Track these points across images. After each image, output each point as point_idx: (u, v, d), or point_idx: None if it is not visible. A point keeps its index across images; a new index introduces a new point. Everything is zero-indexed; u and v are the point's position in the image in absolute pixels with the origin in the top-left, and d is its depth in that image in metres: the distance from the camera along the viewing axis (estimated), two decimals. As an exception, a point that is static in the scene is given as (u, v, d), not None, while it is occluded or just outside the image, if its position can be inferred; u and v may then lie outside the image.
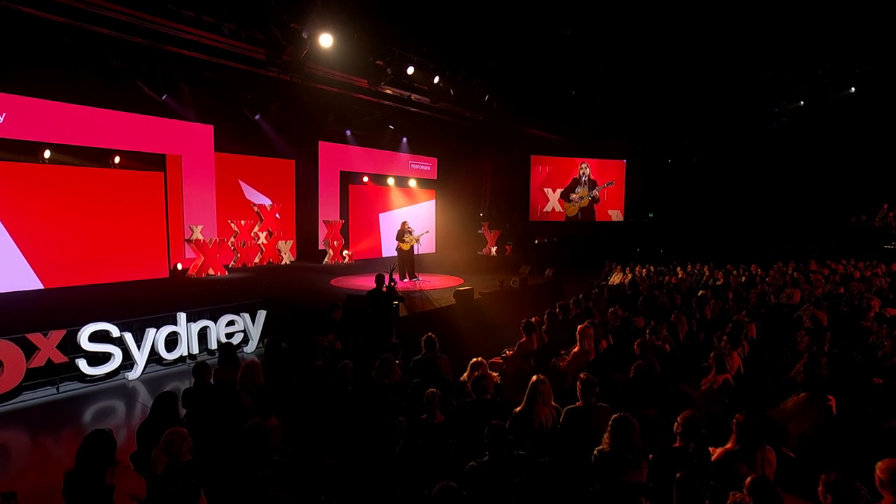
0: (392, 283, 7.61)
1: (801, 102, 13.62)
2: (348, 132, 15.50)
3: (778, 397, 4.55)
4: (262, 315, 8.65)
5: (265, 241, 14.42)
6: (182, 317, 7.78)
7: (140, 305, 8.36)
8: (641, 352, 5.56)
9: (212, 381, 4.74)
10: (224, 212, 13.74)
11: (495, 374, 5.15)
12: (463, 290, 9.23)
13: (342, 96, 12.60)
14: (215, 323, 8.17)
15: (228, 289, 10.39)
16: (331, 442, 3.94)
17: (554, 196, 20.57)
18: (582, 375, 4.25)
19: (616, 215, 20.90)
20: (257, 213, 14.54)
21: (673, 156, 19.90)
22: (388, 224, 17.34)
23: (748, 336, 6.21)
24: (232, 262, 13.66)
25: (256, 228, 14.38)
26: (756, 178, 17.70)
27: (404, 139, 17.30)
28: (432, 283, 11.52)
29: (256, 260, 14.15)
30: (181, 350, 7.75)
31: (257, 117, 12.58)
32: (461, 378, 5.08)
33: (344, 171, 16.29)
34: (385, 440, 3.32)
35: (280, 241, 14.82)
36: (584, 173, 20.52)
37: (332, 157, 16.02)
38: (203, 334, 8.10)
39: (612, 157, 20.50)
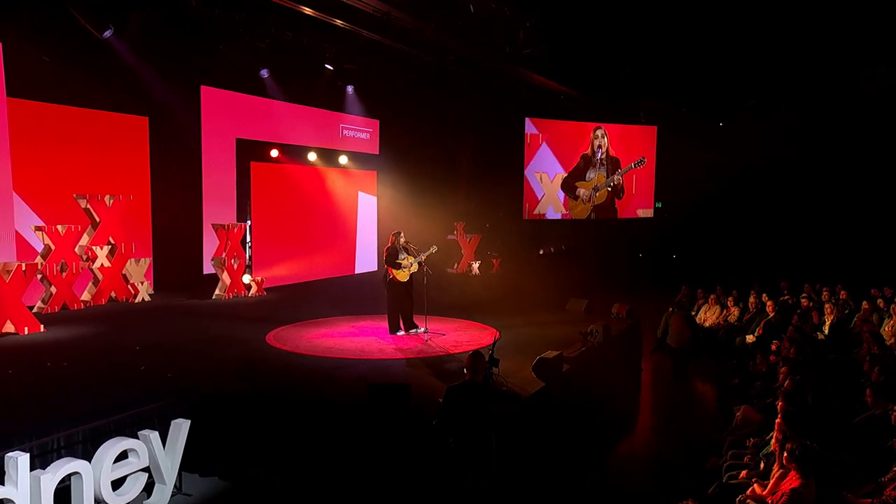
0: (493, 374, 6.05)
1: None
2: (264, 72, 14.18)
3: None
4: (181, 430, 6.49)
5: (107, 263, 12.62)
6: (20, 462, 5.29)
7: None
8: None
9: None
10: (26, 211, 11.98)
11: None
12: (548, 359, 7.98)
13: (266, 7, 11.23)
14: (90, 461, 5.83)
15: (63, 368, 8.20)
16: None
17: (551, 187, 19.64)
18: None
19: (648, 214, 20.44)
20: (88, 210, 12.48)
21: (719, 120, 19.61)
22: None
23: None
24: (39, 304, 11.70)
25: (87, 239, 12.46)
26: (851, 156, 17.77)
27: (349, 88, 16.46)
28: (450, 337, 10.21)
29: (87, 297, 12.46)
30: (17, 536, 5.21)
31: (107, 34, 10.65)
32: None
33: (243, 138, 15.07)
34: None
35: (130, 262, 13.03)
36: (599, 146, 19.63)
37: (224, 113, 14.70)
38: (64, 489, 5.72)
39: (638, 122, 19.91)
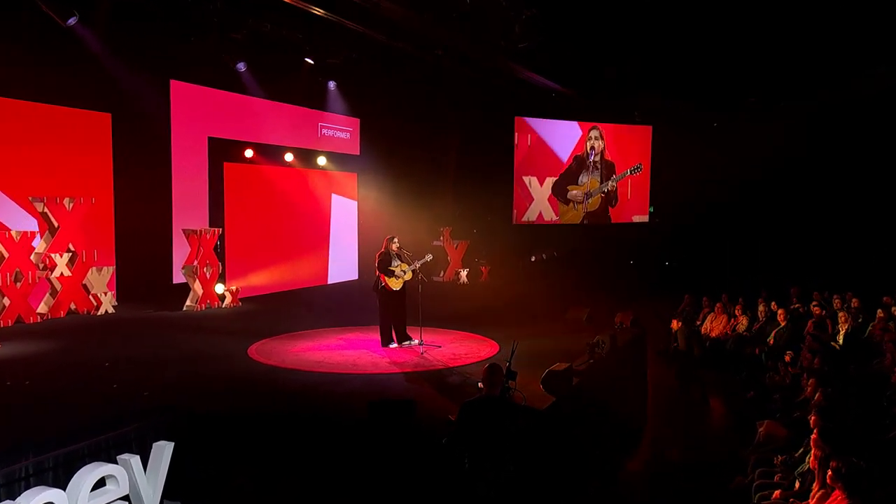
0: (510, 388, 6.03)
1: None
2: (241, 66, 14.12)
3: None
4: (164, 452, 6.36)
5: (66, 272, 12.58)
6: (-10, 490, 5.10)
7: None
8: None
9: None
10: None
11: None
12: (558, 373, 7.88)
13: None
14: (65, 489, 5.64)
15: (25, 388, 8.00)
16: None
17: (541, 191, 19.70)
18: None
19: (643, 219, 20.66)
20: (45, 214, 12.40)
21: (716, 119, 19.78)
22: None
23: None
24: (-9, 319, 11.64)
25: (43, 246, 12.48)
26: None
27: (331, 84, 16.46)
28: (447, 349, 10.13)
29: (44, 309, 12.43)
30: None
31: (71, 22, 10.53)
32: None
33: (216, 137, 15.09)
34: None
35: (92, 271, 12.99)
36: (592, 148, 19.69)
37: (196, 110, 14.77)
38: (37, 522, 5.52)
39: (633, 121, 20.08)
